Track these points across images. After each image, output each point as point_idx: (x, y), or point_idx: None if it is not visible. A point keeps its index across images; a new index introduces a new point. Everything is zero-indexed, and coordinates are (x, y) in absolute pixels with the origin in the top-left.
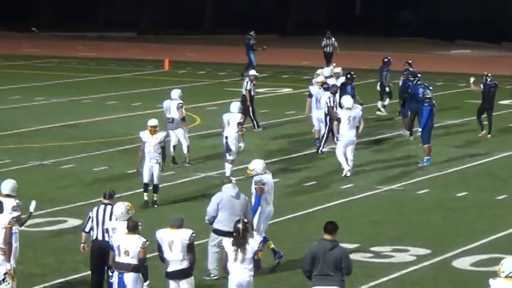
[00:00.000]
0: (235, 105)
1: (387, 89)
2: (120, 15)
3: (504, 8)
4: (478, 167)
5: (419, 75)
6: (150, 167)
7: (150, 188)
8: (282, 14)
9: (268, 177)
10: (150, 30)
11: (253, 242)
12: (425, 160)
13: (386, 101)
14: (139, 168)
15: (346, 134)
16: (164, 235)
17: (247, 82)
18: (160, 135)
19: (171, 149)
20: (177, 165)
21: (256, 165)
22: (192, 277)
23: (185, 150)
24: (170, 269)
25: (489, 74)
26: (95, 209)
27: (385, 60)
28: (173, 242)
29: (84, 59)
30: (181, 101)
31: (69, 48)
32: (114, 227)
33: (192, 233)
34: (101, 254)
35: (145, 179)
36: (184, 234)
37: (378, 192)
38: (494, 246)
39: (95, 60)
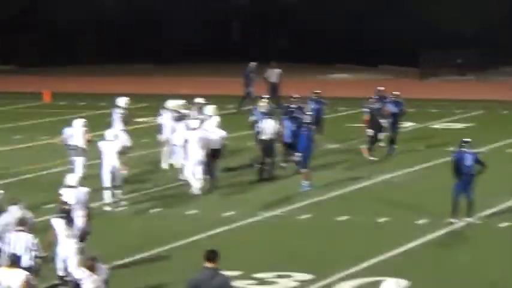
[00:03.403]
0: (111, 133)
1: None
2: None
3: (380, 31)
4: (359, 190)
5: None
6: None
7: None
8: (157, 43)
9: (80, 192)
10: (28, 63)
11: (80, 220)
12: (305, 185)
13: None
14: None
15: (195, 154)
16: None
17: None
18: None
19: None
20: None
21: (71, 178)
22: None
23: None
24: None
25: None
26: None
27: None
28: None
29: None
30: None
31: None
32: None
33: None
34: None
35: None
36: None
37: (260, 218)
38: (376, 269)
39: None
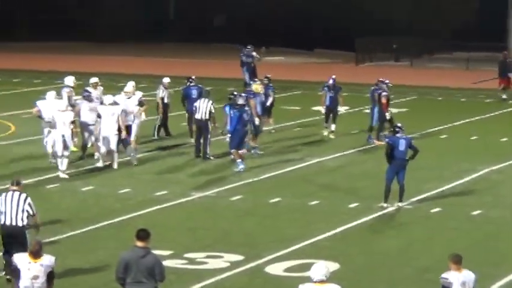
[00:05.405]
0: (63, 104)
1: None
2: None
3: (317, 15)
4: (291, 172)
5: (193, 77)
6: None
7: None
8: (93, 20)
9: None
10: None
11: None
12: (239, 164)
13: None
14: None
15: (107, 129)
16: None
17: (161, 90)
18: None
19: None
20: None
21: None
22: None
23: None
24: None
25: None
26: (3, 194)
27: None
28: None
29: None
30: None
31: None
32: None
33: None
34: (11, 237)
35: None
36: None
37: (192, 198)
38: (306, 251)
39: None
